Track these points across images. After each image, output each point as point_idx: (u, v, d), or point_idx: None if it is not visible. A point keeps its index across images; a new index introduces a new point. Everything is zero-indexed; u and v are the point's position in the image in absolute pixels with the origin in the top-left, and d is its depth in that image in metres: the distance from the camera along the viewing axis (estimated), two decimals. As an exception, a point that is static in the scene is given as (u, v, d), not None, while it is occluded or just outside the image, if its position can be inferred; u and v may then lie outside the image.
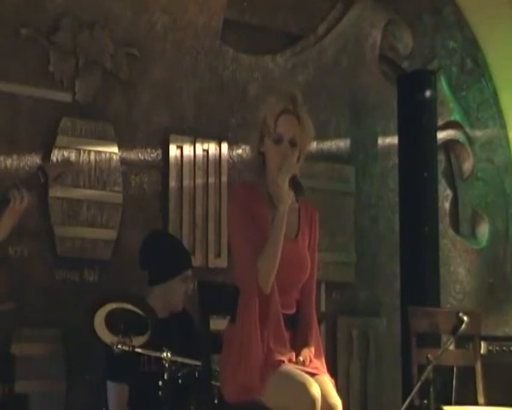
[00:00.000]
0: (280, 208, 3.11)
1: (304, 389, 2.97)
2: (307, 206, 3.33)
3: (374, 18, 6.17)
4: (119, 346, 3.82)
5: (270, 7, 5.79)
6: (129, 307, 3.92)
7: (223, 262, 5.29)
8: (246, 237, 3.14)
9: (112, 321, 3.90)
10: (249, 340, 3.10)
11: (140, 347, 3.88)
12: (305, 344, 3.21)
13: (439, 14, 6.44)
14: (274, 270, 3.08)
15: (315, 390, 2.97)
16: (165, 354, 3.84)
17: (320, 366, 3.18)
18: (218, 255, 5.32)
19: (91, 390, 4.55)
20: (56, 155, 4.81)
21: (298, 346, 3.21)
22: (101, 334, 3.90)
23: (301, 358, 3.13)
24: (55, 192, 4.78)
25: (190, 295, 4.52)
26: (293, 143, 3.20)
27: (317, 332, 3.26)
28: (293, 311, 3.24)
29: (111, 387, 4.24)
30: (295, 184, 3.13)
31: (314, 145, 5.42)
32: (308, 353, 3.17)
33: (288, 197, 3.12)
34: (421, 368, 4.47)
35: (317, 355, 3.19)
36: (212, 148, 5.40)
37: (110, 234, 4.97)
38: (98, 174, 4.98)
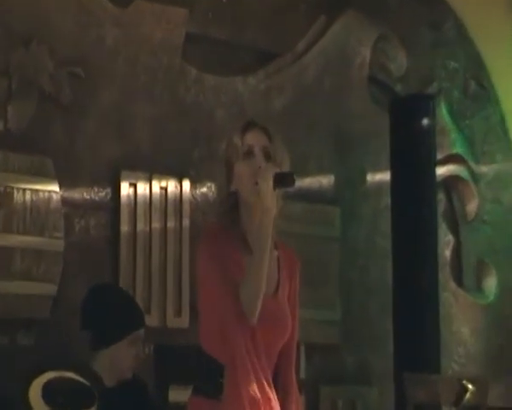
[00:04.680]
0: (264, 219, 3.00)
1: None
2: (288, 253, 3.30)
3: (362, 33, 6.23)
4: (59, 423, 3.78)
5: (240, 19, 5.82)
6: (71, 375, 3.89)
7: (184, 322, 5.27)
8: (224, 288, 3.09)
9: (50, 393, 3.86)
10: None
11: (84, 423, 3.84)
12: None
13: (439, 30, 6.52)
14: (260, 295, 3.00)
15: None
16: (114, 432, 3.80)
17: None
18: (179, 314, 5.29)
19: None
20: (-16, 194, 4.79)
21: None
22: (37, 408, 3.86)
23: None
24: (-17, 239, 4.75)
25: (144, 360, 4.49)
26: (266, 155, 3.16)
27: (297, 402, 3.24)
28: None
29: None
30: (282, 179, 3.00)
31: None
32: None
33: (273, 205, 2.99)
34: (420, 446, 4.47)
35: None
36: (171, 185, 5.39)
37: (49, 289, 4.92)
38: (35, 217, 4.94)
